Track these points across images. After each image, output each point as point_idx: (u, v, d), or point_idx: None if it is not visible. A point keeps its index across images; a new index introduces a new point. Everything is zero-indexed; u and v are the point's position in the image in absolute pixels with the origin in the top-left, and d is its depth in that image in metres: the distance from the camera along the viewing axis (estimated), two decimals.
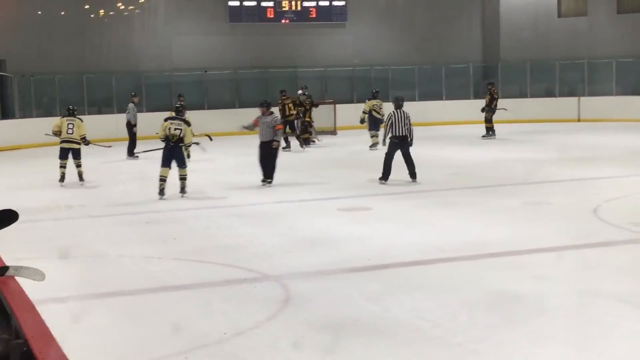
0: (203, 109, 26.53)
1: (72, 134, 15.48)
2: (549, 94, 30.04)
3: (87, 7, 27.98)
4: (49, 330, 2.60)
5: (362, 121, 21.27)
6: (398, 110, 14.01)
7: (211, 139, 20.49)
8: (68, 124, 15.56)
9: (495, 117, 22.65)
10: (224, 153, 19.93)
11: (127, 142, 20.47)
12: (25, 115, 25.50)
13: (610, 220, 10.19)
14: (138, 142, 20.56)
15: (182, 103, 22.63)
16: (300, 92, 24.50)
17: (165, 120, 13.52)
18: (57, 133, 15.68)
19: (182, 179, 13.41)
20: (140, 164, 19.04)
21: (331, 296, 7.05)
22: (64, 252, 9.26)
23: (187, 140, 13.62)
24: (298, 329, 6.10)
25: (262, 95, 25.24)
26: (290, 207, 12.11)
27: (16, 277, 3.34)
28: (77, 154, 15.52)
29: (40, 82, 26.21)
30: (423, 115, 27.07)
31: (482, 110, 22.87)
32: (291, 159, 18.76)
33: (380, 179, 14.04)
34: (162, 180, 13.22)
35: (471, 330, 5.98)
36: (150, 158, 19.92)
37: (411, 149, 13.97)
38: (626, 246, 8.89)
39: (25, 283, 3.37)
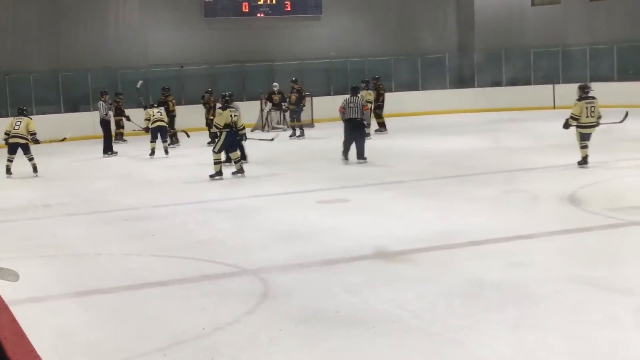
0: (180, 104, 26.34)
1: (18, 129, 16.21)
2: (524, 82, 30.15)
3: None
4: (23, 332, 2.59)
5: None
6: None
7: (188, 136, 20.41)
8: (16, 121, 16.37)
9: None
10: (201, 148, 19.89)
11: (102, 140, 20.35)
12: (0, 114, 25.28)
13: (585, 206, 10.28)
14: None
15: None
16: (275, 84, 24.51)
17: (224, 109, 14.41)
18: (8, 133, 16.40)
19: (237, 161, 14.50)
20: (117, 162, 18.96)
21: (310, 289, 7.07)
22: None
23: (239, 125, 14.51)
24: (277, 323, 6.11)
25: (239, 89, 25.26)
26: (268, 201, 12.10)
27: None
28: (26, 149, 16.27)
29: (15, 81, 26.00)
30: (400, 105, 27.14)
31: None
32: (268, 151, 18.74)
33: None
34: (220, 163, 14.43)
35: (450, 320, 6.01)
36: (125, 155, 19.88)
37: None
38: (602, 232, 8.96)
39: (0, 284, 3.36)
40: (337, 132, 21.40)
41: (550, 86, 28.82)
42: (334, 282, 7.22)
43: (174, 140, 21.32)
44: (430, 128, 23.22)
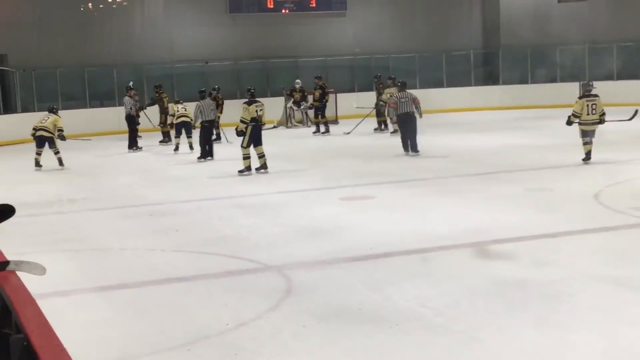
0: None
1: (44, 123, 16.80)
2: (550, 79, 29.95)
3: None
4: (50, 325, 2.61)
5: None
6: None
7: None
8: (45, 117, 17.03)
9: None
10: (224, 144, 19.95)
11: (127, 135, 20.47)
12: (27, 109, 25.48)
13: (611, 205, 10.20)
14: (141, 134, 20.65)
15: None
16: (297, 81, 24.51)
17: (250, 104, 14.42)
18: (35, 127, 16.96)
19: (261, 156, 14.53)
20: (142, 157, 19.05)
21: (333, 285, 7.07)
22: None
23: (263, 120, 14.73)
24: (300, 319, 6.12)
25: (263, 85, 25.27)
26: (291, 197, 12.12)
27: (17, 272, 3.36)
28: (52, 143, 16.78)
29: (42, 76, 26.19)
30: (424, 102, 26.81)
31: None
32: (292, 148, 18.77)
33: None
34: (249, 158, 14.47)
35: (473, 317, 6.00)
36: (150, 151, 19.97)
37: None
38: (627, 231, 8.90)
39: (27, 277, 3.39)
40: (361, 128, 21.45)
41: (576, 84, 28.50)
42: (357, 279, 7.23)
43: (167, 140, 21.28)
44: (455, 125, 23.13)
